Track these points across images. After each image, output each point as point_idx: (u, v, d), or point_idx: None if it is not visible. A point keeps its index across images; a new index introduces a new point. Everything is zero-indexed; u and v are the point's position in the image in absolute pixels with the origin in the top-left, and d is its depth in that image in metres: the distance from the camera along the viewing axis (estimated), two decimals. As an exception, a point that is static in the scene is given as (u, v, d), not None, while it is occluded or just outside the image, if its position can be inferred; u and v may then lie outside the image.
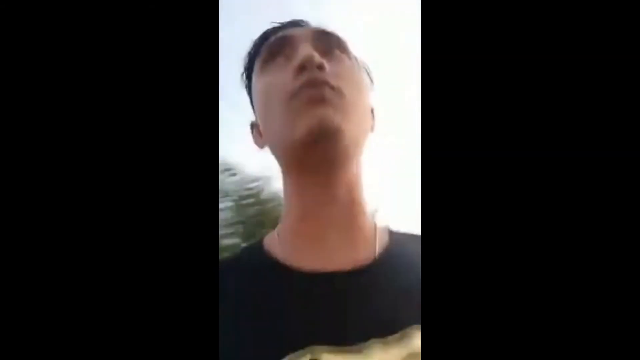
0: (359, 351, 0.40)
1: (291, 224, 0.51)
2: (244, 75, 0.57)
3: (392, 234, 0.54)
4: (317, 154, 0.46)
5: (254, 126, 0.57)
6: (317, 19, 0.57)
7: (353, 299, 0.44)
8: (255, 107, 0.55)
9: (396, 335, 0.41)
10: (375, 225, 0.52)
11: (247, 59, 0.57)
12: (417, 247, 0.48)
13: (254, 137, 0.57)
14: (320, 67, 0.47)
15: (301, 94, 0.46)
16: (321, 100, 0.45)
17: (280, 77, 0.49)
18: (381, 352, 0.40)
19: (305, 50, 0.48)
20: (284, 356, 0.40)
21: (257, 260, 0.50)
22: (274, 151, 0.51)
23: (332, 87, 0.46)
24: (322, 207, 0.49)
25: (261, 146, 0.55)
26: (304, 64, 0.47)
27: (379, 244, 0.50)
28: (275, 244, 0.51)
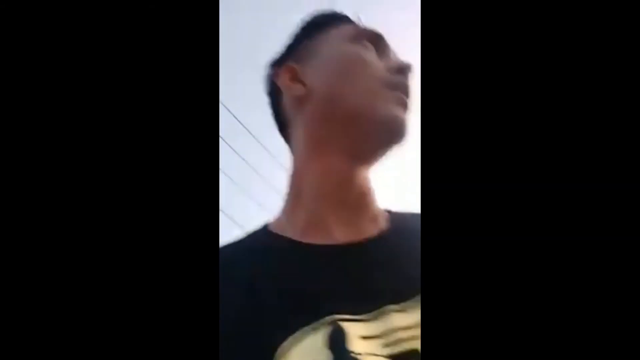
0: (375, 318, 0.41)
1: (306, 203, 0.51)
2: (302, 30, 0.59)
3: (391, 213, 0.55)
4: (377, 138, 0.51)
5: (287, 69, 0.56)
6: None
7: (367, 269, 0.46)
8: (314, 61, 0.55)
9: (410, 302, 0.42)
10: (381, 212, 0.55)
11: (314, 21, 0.59)
12: (416, 224, 0.51)
13: (285, 79, 0.56)
14: (409, 77, 0.53)
15: (396, 92, 0.51)
16: (407, 108, 0.52)
17: (373, 60, 0.53)
18: (397, 317, 0.41)
19: (407, 60, 0.54)
20: (304, 324, 0.40)
21: (267, 241, 0.51)
22: (325, 109, 0.52)
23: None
24: (342, 190, 0.51)
25: (295, 93, 0.55)
26: (405, 68, 0.53)
27: (384, 220, 0.53)
28: (284, 225, 0.52)
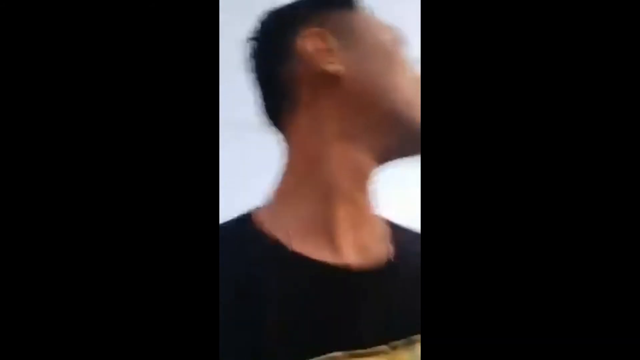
0: (371, 355, 0.39)
1: (312, 200, 0.45)
2: None
3: (396, 231, 0.50)
4: (404, 145, 0.47)
5: (320, 36, 0.46)
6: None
7: (368, 298, 0.42)
8: (350, 38, 0.47)
9: (404, 341, 0.40)
10: (384, 222, 0.50)
11: None
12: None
13: (316, 46, 0.46)
14: None
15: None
16: None
17: (405, 63, 0.49)
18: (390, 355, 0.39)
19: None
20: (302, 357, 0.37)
21: (258, 242, 0.44)
22: (363, 101, 0.46)
23: None
24: (357, 190, 0.46)
25: (330, 68, 0.45)
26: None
27: (390, 244, 0.48)
28: (275, 222, 0.45)
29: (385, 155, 0.47)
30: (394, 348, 0.40)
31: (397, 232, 0.49)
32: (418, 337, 0.41)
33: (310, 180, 0.45)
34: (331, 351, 0.38)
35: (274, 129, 0.50)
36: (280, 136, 0.49)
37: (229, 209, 0.45)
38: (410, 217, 0.50)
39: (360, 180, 0.46)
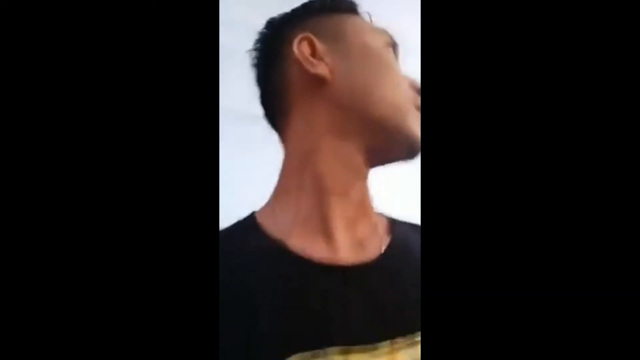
0: (370, 351, 0.40)
1: (309, 194, 0.47)
2: (316, 2, 0.52)
3: (393, 224, 0.52)
4: (396, 149, 0.49)
5: (308, 41, 0.48)
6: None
7: (362, 294, 0.43)
8: (337, 42, 0.49)
9: (405, 339, 0.41)
10: (380, 218, 0.51)
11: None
12: (418, 238, 0.47)
13: (306, 51, 0.48)
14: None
15: (417, 112, 0.49)
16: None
17: (400, 71, 0.50)
18: (390, 354, 0.40)
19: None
20: (292, 352, 0.38)
21: (260, 243, 0.45)
22: (351, 102, 0.47)
23: None
24: (351, 185, 0.48)
25: (319, 71, 0.47)
26: (419, 89, 0.50)
27: (385, 238, 0.49)
28: (276, 221, 0.46)
29: (377, 157, 0.49)
30: (396, 346, 0.40)
31: (394, 224, 0.51)
32: (419, 336, 0.41)
33: (306, 177, 0.47)
34: (323, 347, 0.39)
35: (273, 130, 0.52)
36: (279, 137, 0.51)
37: (230, 203, 0.46)
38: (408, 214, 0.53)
39: (354, 176, 0.48)
